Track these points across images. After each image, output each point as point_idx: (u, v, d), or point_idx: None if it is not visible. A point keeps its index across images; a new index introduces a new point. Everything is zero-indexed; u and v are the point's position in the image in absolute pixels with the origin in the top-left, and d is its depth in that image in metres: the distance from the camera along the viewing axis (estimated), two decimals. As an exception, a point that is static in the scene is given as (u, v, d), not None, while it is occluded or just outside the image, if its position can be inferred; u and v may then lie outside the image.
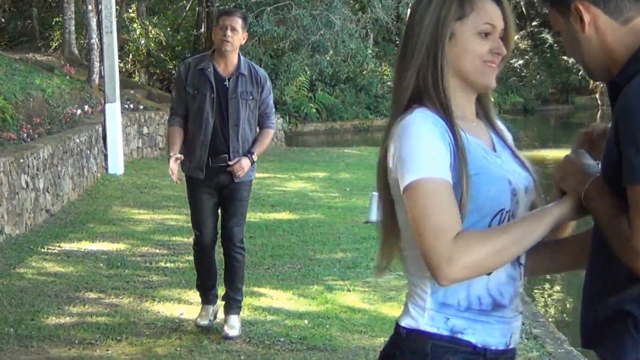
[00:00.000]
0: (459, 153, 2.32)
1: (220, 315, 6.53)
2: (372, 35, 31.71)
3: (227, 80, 6.14)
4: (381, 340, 6.08)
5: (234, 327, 6.37)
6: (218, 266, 6.60)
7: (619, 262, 2.18)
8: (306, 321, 6.79)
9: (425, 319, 2.38)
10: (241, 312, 6.57)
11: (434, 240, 2.23)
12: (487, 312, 2.38)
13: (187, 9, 30.11)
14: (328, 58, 22.37)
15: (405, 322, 2.41)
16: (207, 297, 6.54)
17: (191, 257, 8.64)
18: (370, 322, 6.83)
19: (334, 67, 22.84)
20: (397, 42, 37.64)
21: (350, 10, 22.49)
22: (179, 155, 6.12)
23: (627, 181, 2.12)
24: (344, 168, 17.21)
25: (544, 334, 6.66)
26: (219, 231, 6.48)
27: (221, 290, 6.58)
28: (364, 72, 31.41)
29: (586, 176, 2.29)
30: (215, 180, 6.24)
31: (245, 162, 6.17)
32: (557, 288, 10.11)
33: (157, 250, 9.24)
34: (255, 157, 6.26)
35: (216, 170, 6.21)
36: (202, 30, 28.04)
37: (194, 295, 7.17)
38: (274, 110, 6.48)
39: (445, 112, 2.37)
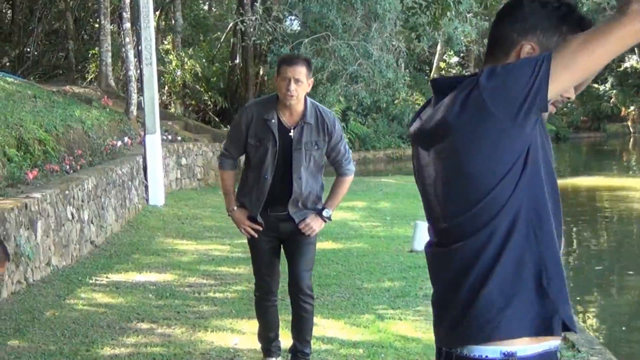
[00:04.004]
0: None
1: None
2: (402, 65, 31.80)
3: (291, 131, 5.68)
4: (440, 370, 6.02)
5: None
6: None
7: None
8: (361, 350, 6.73)
9: None
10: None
11: None
12: None
13: (222, 40, 30.30)
14: (366, 87, 22.35)
15: None
16: (270, 350, 6.18)
17: (240, 287, 8.75)
18: (425, 350, 6.76)
19: (372, 97, 22.84)
20: (427, 71, 37.79)
21: (388, 40, 22.46)
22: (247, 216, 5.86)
23: None
24: (383, 197, 17.18)
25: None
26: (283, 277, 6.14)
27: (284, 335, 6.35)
28: (395, 102, 31.48)
29: None
30: (274, 228, 5.83)
31: (317, 224, 5.82)
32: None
33: (205, 281, 9.22)
34: (329, 214, 5.88)
35: (274, 219, 5.82)
36: (237, 61, 28.25)
37: (247, 325, 7.16)
38: (349, 155, 5.94)
39: None
